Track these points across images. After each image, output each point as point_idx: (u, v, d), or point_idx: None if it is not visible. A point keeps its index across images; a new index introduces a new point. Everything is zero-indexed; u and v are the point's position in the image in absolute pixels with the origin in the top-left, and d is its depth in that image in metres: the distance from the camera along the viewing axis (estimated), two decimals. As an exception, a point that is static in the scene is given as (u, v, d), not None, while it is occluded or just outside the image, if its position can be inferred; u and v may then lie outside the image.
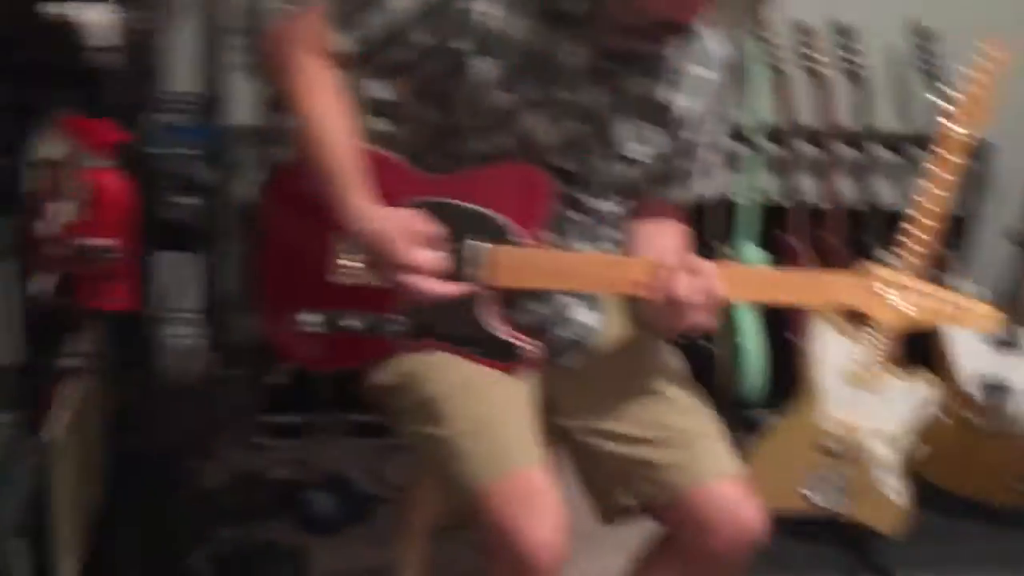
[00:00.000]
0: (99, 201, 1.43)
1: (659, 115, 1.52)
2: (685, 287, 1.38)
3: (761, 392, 2.66)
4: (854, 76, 2.58)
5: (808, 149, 2.65)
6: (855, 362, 2.17)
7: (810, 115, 2.62)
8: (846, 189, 2.69)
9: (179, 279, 2.02)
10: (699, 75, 1.53)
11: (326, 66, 1.47)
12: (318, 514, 2.24)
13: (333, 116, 1.46)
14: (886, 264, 1.47)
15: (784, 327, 2.59)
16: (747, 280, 1.45)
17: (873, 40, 2.66)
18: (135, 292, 1.44)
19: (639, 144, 1.52)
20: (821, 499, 2.25)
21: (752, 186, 2.58)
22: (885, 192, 2.81)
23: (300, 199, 1.52)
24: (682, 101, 1.53)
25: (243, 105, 2.44)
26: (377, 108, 2.40)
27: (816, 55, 2.55)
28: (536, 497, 1.35)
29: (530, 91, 1.46)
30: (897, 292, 1.44)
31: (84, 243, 1.44)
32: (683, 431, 1.51)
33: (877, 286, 1.44)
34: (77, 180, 1.44)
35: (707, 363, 2.64)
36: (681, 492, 1.47)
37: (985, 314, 1.45)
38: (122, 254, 1.41)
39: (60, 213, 1.48)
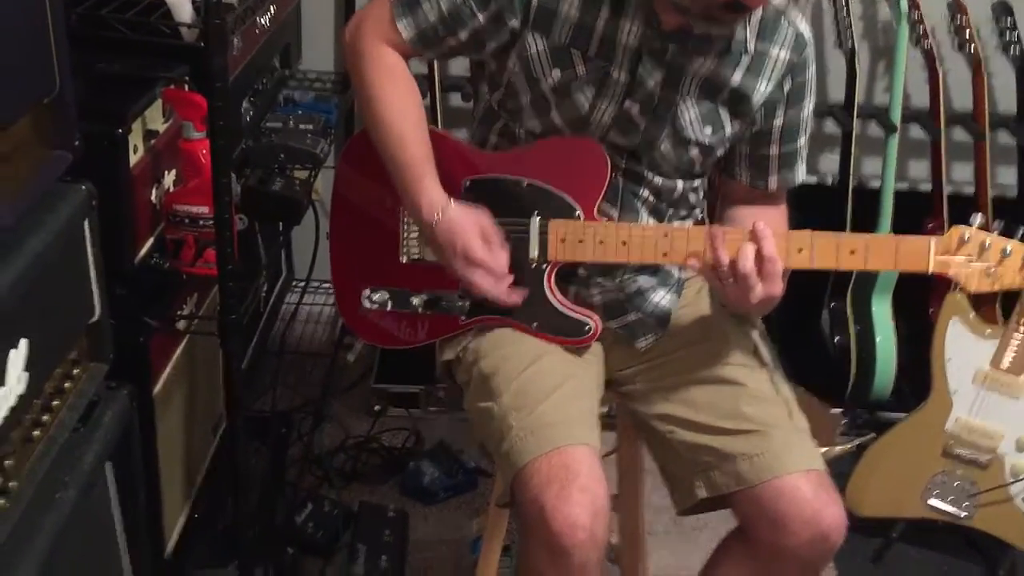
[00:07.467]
0: (195, 170, 1.51)
1: (728, 97, 1.46)
2: (742, 256, 1.33)
3: (891, 391, 2.52)
4: (1015, 58, 2.39)
5: (958, 134, 2.48)
6: (991, 363, 2.03)
7: (964, 98, 2.44)
8: (999, 176, 2.50)
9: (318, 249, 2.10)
10: (779, 57, 1.46)
11: (397, 54, 1.48)
12: (423, 483, 2.30)
13: (405, 106, 1.48)
14: (978, 228, 1.35)
15: (921, 325, 2.44)
16: (816, 245, 1.37)
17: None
18: (230, 258, 1.51)
19: (702, 125, 1.47)
20: (947, 507, 2.13)
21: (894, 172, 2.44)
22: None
23: (371, 174, 1.54)
24: (759, 84, 1.46)
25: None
26: (447, 85, 2.43)
27: (972, 34, 2.37)
28: (577, 478, 1.32)
29: (582, 68, 1.44)
30: (981, 255, 1.34)
31: (183, 210, 1.53)
32: (759, 421, 1.45)
33: (962, 249, 1.34)
34: (177, 150, 1.53)
35: (838, 359, 2.53)
36: (754, 485, 1.41)
37: None
38: (216, 221, 1.48)
39: (163, 181, 1.58)
